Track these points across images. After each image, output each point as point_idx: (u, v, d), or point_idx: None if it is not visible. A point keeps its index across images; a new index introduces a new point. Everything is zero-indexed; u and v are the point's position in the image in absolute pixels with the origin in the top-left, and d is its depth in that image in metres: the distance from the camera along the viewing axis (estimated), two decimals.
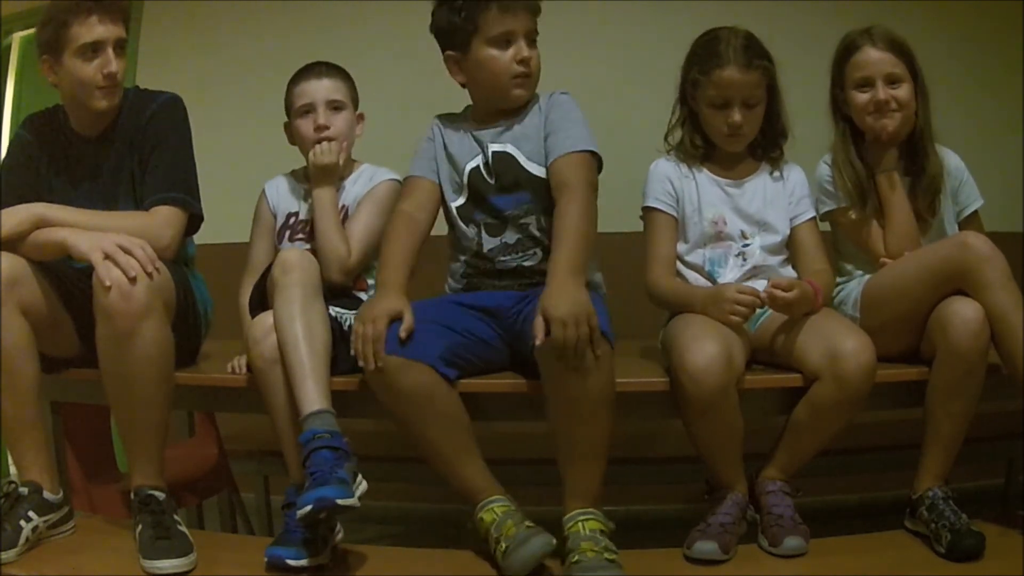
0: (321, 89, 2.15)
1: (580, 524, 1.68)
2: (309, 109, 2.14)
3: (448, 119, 2.09)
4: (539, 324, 1.61)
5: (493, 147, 1.99)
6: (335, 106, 2.15)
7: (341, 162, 2.13)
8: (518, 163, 1.97)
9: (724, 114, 1.99)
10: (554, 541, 1.65)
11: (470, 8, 1.91)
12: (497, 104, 2.00)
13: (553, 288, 1.66)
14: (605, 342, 1.64)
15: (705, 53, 2.00)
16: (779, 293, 1.83)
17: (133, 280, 1.67)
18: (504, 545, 1.65)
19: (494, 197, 1.98)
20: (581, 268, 1.73)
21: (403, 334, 1.72)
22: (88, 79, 1.91)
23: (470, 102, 2.09)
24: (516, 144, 1.98)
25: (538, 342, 1.61)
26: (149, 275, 1.70)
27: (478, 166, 2.00)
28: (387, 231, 2.00)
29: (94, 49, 1.89)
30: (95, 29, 1.88)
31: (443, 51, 2.00)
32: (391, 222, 2.02)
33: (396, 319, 1.74)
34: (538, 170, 1.96)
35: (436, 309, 1.85)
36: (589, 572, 1.60)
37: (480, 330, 1.88)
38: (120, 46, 1.93)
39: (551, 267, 1.73)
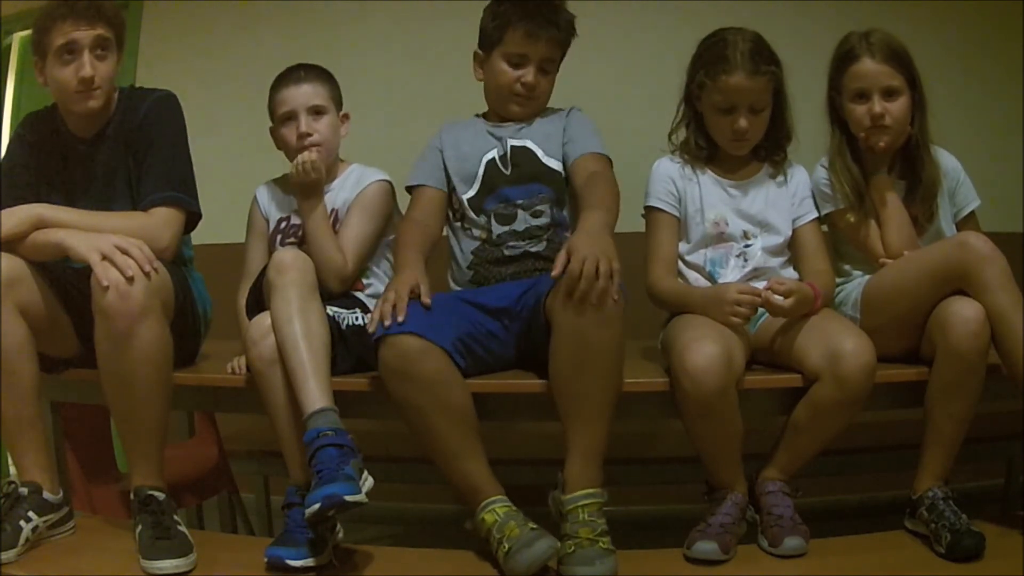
0: (301, 96, 2.13)
1: (580, 508, 1.68)
2: (291, 116, 2.13)
3: (457, 124, 2.17)
4: (561, 257, 1.64)
5: (512, 141, 2.08)
6: (317, 111, 2.13)
7: (323, 173, 2.10)
8: (536, 157, 2.08)
9: (729, 119, 1.99)
10: (558, 544, 1.65)
11: (502, 20, 2.06)
12: (499, 112, 2.14)
13: (582, 232, 1.71)
14: (619, 293, 1.64)
15: (712, 57, 1.98)
16: (776, 299, 1.83)
17: (131, 280, 1.67)
18: (507, 546, 1.65)
19: (507, 188, 2.05)
20: (609, 226, 1.76)
21: (426, 299, 1.76)
22: (65, 83, 1.91)
23: (468, 102, 2.19)
24: (535, 140, 2.08)
25: (555, 272, 1.64)
26: (147, 275, 1.70)
27: (495, 158, 2.08)
28: (398, 236, 2.05)
29: (69, 51, 1.88)
30: (68, 31, 1.87)
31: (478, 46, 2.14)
32: (401, 228, 2.06)
33: (415, 293, 1.77)
34: (555, 164, 2.07)
35: (445, 300, 1.86)
36: (587, 564, 1.61)
37: (488, 323, 1.90)
38: (101, 47, 1.91)
39: (581, 222, 1.77)
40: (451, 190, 2.11)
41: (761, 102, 1.99)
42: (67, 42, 1.88)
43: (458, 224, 2.12)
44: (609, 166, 2.04)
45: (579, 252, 1.62)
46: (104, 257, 1.69)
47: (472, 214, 2.07)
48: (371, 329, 1.74)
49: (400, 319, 1.70)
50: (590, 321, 1.63)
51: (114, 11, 1.95)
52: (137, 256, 1.70)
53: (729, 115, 1.99)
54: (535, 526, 1.68)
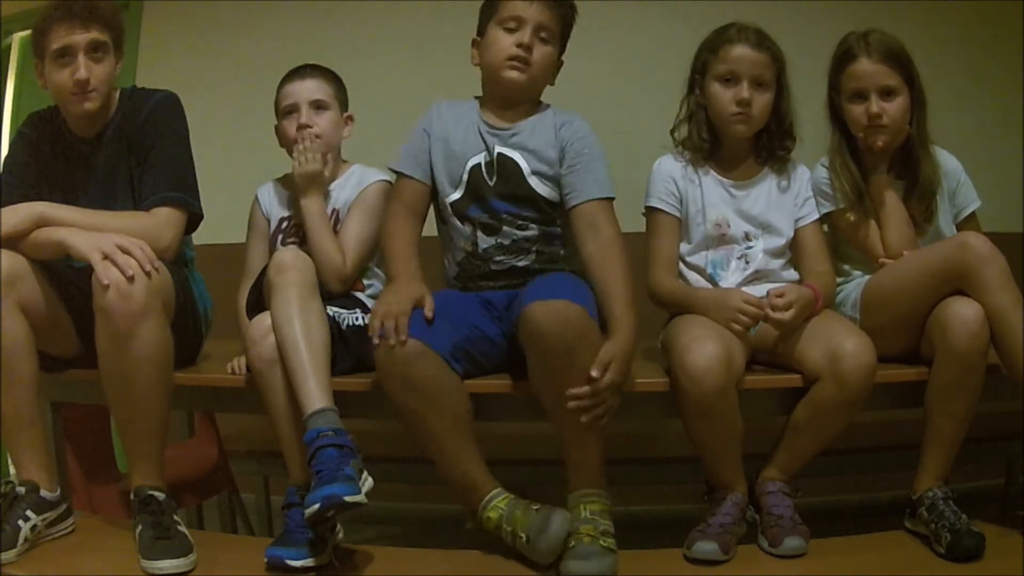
0: (304, 89, 2.14)
1: (582, 506, 1.71)
2: (293, 109, 2.14)
3: (451, 109, 2.07)
4: (600, 365, 1.66)
5: (500, 149, 1.99)
6: (318, 106, 2.14)
7: (326, 168, 2.11)
8: (522, 174, 1.98)
9: (733, 91, 1.98)
10: (568, 514, 1.69)
11: None
12: (496, 89, 2.02)
13: (621, 346, 1.72)
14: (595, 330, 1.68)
15: (716, 38, 2.01)
16: (775, 315, 1.83)
17: (131, 279, 1.67)
18: (524, 536, 1.68)
19: (493, 199, 1.98)
20: (637, 326, 1.78)
21: (429, 314, 1.75)
22: (61, 86, 1.92)
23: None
24: (523, 154, 1.99)
25: (596, 373, 1.65)
26: (147, 274, 1.69)
27: (480, 164, 2.00)
28: (386, 228, 2.01)
29: (63, 55, 1.89)
30: (63, 36, 1.88)
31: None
32: (388, 219, 2.02)
33: (418, 305, 1.76)
34: (540, 187, 1.98)
35: (444, 302, 1.84)
36: (582, 560, 1.64)
37: (485, 325, 1.88)
38: (96, 49, 1.92)
39: (617, 335, 1.74)
40: (436, 186, 2.03)
41: (764, 78, 1.98)
42: (62, 46, 1.89)
43: (443, 227, 2.06)
44: (612, 210, 1.94)
45: (609, 378, 1.66)
46: (105, 256, 1.69)
47: (456, 221, 2.00)
48: (374, 338, 1.72)
49: (403, 339, 1.69)
50: (565, 350, 1.65)
51: (111, 13, 1.95)
52: (138, 256, 1.70)
53: (732, 87, 1.98)
54: (538, 506, 1.71)
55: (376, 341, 1.71)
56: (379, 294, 2.10)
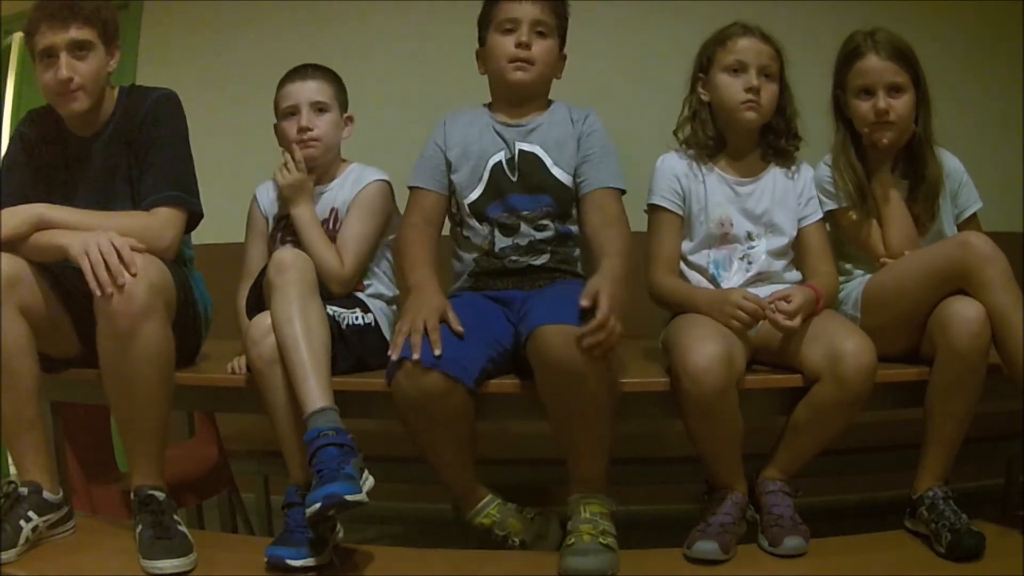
0: (305, 91, 2.14)
1: (582, 506, 1.72)
2: (293, 111, 2.14)
3: (462, 116, 2.10)
4: (588, 295, 1.62)
5: (521, 145, 2.02)
6: (319, 108, 2.14)
7: (302, 179, 2.11)
8: (545, 166, 2.01)
9: (742, 79, 1.98)
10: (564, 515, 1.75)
11: (489, 2, 2.05)
12: (503, 91, 2.06)
13: (607, 278, 1.70)
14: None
15: (721, 33, 2.02)
16: (782, 320, 1.83)
17: (109, 298, 1.66)
18: (517, 541, 1.76)
19: (514, 196, 2.00)
20: (628, 276, 1.80)
21: (457, 327, 1.75)
22: (46, 86, 1.92)
23: (469, 103, 2.14)
24: (545, 146, 2.02)
25: (586, 302, 1.61)
26: (120, 288, 1.67)
27: (501, 161, 2.02)
28: (403, 240, 2.02)
29: (48, 55, 1.89)
30: (44, 36, 1.88)
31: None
32: (405, 231, 2.03)
33: (443, 319, 1.76)
34: (563, 176, 2.01)
35: (471, 312, 1.83)
36: (579, 556, 1.65)
37: (504, 337, 1.85)
38: (80, 48, 1.91)
39: (605, 267, 1.77)
40: (452, 191, 2.05)
41: (770, 69, 1.99)
42: (45, 46, 1.89)
43: (458, 229, 2.08)
44: (621, 200, 1.99)
45: (606, 303, 1.60)
46: (93, 265, 1.68)
47: (474, 221, 2.02)
48: (394, 356, 1.70)
49: (437, 352, 1.68)
50: (578, 382, 1.64)
51: (92, 9, 1.92)
52: (114, 265, 1.68)
53: (740, 76, 1.99)
54: (533, 514, 1.75)
55: (395, 357, 1.69)
56: (380, 293, 2.11)
